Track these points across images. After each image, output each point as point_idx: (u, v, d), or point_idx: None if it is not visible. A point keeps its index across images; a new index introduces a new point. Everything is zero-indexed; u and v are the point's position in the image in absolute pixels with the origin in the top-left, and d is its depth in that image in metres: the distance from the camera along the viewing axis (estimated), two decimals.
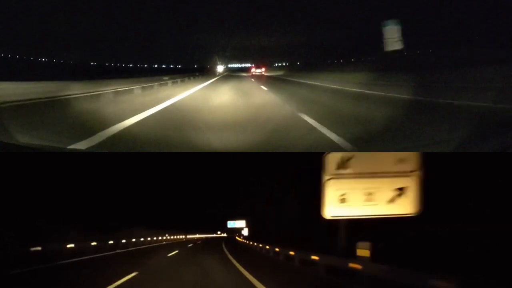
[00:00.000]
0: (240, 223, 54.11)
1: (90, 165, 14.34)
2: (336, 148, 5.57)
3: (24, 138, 5.52)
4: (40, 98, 8.15)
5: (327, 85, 20.79)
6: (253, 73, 46.39)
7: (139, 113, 8.99)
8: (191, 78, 32.72)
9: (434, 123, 7.09)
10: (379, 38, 30.85)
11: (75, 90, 10.29)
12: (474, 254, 5.22)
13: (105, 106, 10.46)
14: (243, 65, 66.01)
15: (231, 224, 55.91)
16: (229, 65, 63.33)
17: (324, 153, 5.31)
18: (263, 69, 47.91)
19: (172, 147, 6.04)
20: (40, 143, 5.49)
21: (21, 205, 10.39)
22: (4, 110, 6.55)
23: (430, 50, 32.53)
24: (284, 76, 41.12)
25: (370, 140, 5.93)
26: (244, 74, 48.51)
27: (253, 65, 50.03)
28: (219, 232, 71.49)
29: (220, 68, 56.16)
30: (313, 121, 7.72)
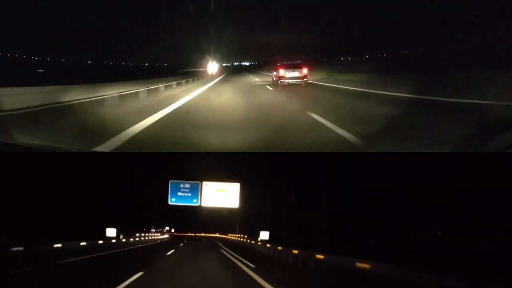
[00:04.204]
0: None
1: None
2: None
3: (26, 139, 5.55)
4: (45, 104, 8.20)
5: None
6: (279, 78, 21.70)
7: None
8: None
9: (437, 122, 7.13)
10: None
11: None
12: (478, 255, 5.23)
13: None
14: (246, 63, 49.77)
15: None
16: (235, 63, 47.73)
17: None
18: (305, 72, 21.65)
19: None
20: (41, 144, 5.53)
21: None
22: (13, 116, 6.62)
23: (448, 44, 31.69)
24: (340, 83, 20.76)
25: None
26: (255, 79, 29.86)
27: (278, 64, 22.75)
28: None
29: (212, 68, 35.40)
30: None
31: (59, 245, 10.14)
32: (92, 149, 5.70)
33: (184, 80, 25.42)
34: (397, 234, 7.24)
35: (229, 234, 30.13)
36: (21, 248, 8.09)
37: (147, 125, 8.08)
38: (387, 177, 7.54)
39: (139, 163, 18.99)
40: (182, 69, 35.85)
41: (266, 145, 6.31)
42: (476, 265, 4.63)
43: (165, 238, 34.03)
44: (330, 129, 7.28)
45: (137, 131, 7.27)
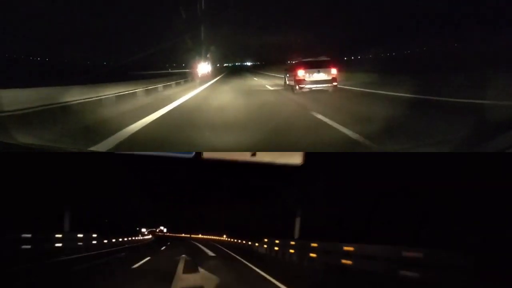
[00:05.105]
0: None
1: None
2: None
3: (25, 139, 5.56)
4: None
5: None
6: (297, 82, 14.88)
7: None
8: None
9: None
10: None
11: None
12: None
13: None
14: (248, 63, 46.24)
15: None
16: (236, 63, 43.53)
17: None
18: (334, 73, 14.89)
19: None
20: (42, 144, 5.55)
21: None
22: (12, 117, 6.66)
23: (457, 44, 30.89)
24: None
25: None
26: (256, 80, 25.60)
27: (293, 62, 17.29)
28: None
29: (204, 68, 30.02)
30: None
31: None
32: (89, 149, 5.70)
33: (151, 87, 17.53)
34: (397, 234, 7.24)
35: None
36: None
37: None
38: (387, 177, 7.55)
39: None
40: (153, 69, 27.48)
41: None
42: (476, 265, 4.62)
43: (129, 241, 22.17)
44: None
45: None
